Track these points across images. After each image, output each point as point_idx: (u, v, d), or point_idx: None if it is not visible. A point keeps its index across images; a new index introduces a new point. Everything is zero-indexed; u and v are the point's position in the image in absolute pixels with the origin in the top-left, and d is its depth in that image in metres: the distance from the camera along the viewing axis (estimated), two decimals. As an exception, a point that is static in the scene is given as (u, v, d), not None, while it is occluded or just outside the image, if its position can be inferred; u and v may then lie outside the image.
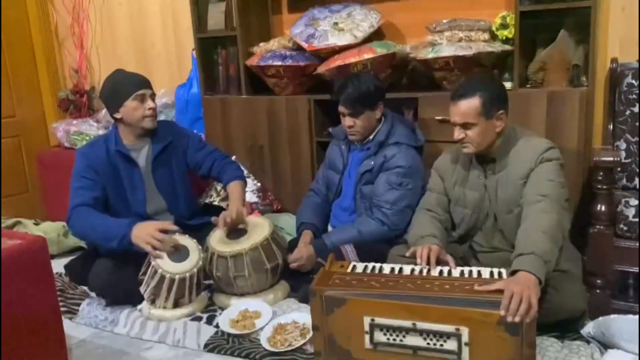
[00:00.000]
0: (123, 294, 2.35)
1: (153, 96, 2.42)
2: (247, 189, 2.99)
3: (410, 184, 2.36)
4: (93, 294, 2.47)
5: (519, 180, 1.95)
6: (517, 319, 1.55)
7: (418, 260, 1.88)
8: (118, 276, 2.31)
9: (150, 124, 2.41)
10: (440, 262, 1.90)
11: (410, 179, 2.37)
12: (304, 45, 2.84)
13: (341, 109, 2.42)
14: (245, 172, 3.10)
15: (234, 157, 3.15)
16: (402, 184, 2.36)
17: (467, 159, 2.09)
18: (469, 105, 1.92)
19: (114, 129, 2.46)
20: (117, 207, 2.42)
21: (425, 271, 1.85)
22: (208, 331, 2.16)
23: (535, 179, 1.91)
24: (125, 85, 2.37)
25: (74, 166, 2.40)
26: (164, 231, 2.24)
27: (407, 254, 1.98)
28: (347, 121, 2.42)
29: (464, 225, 2.11)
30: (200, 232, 2.44)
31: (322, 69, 2.82)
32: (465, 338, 1.62)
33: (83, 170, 2.37)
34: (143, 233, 2.19)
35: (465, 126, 1.95)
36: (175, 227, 2.30)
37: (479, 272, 1.81)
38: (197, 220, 2.57)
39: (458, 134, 1.97)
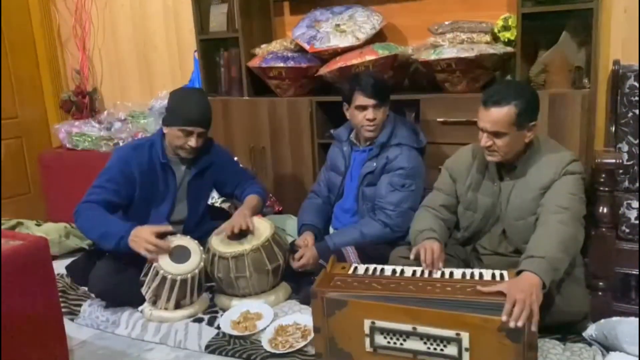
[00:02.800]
0: (123, 297, 2.36)
1: (203, 134, 2.35)
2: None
3: (412, 186, 2.36)
4: (95, 297, 2.47)
5: (539, 190, 1.91)
6: (519, 324, 1.54)
7: (423, 265, 1.87)
8: (118, 280, 2.31)
9: (185, 155, 2.39)
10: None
11: (413, 180, 2.36)
12: (306, 46, 2.85)
13: (363, 101, 2.34)
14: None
15: (235, 159, 3.16)
16: (404, 186, 2.36)
17: (483, 162, 2.03)
18: (503, 113, 1.83)
19: (160, 136, 2.44)
20: (137, 213, 2.41)
21: (427, 273, 1.85)
22: (209, 332, 2.16)
23: (556, 190, 1.87)
24: (181, 114, 2.31)
25: (108, 163, 2.39)
26: (162, 235, 2.25)
27: (411, 257, 1.93)
28: (369, 114, 2.34)
29: (471, 229, 2.10)
30: (202, 239, 2.43)
31: (324, 70, 2.83)
32: (465, 343, 1.62)
33: (113, 173, 2.35)
34: (139, 238, 2.19)
35: (495, 134, 1.87)
36: (170, 228, 2.30)
37: (480, 274, 1.80)
38: (202, 228, 2.54)
39: (486, 141, 1.89)
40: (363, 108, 2.37)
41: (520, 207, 1.95)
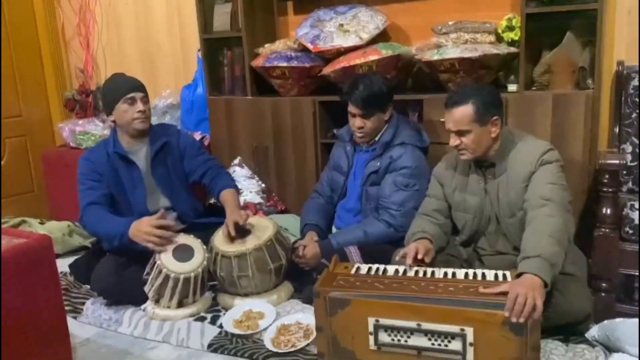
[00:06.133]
0: (125, 295, 2.37)
1: (145, 99, 2.48)
2: (251, 190, 3.02)
3: (416, 185, 2.36)
4: (97, 296, 2.47)
5: (521, 184, 1.95)
6: (521, 320, 1.55)
7: (408, 261, 1.89)
8: (120, 277, 2.34)
9: (141, 126, 2.47)
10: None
11: (417, 180, 2.36)
12: (310, 46, 2.85)
13: (352, 109, 2.40)
14: (250, 172, 3.11)
15: (238, 158, 3.17)
16: (408, 185, 2.36)
17: (465, 164, 2.10)
18: (462, 112, 1.94)
19: (113, 133, 2.55)
20: (120, 206, 2.49)
21: (429, 273, 1.85)
22: (212, 331, 2.17)
23: (536, 182, 1.91)
24: (117, 89, 2.46)
25: (79, 172, 2.49)
26: (163, 227, 2.28)
27: (397, 259, 1.97)
28: (357, 122, 2.41)
29: (466, 231, 2.11)
30: (205, 232, 2.45)
31: (327, 70, 2.83)
32: (470, 338, 1.62)
33: (88, 174, 2.47)
34: (140, 231, 2.24)
35: (460, 133, 1.97)
36: (171, 223, 2.33)
37: (483, 274, 1.80)
38: (202, 218, 2.60)
39: (453, 140, 1.99)
40: (352, 115, 2.41)
41: (509, 204, 1.99)
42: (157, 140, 2.54)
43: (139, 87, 2.49)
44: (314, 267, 2.34)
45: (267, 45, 3.07)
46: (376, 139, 2.46)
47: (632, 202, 2.14)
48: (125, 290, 2.35)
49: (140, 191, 2.50)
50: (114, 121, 2.50)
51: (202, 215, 2.64)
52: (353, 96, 2.37)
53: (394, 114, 2.49)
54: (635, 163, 2.38)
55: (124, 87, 2.45)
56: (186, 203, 2.60)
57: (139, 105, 2.44)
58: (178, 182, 2.59)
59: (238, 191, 2.67)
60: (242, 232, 2.38)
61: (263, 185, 3.10)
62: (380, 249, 2.26)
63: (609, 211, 2.08)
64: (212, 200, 3.04)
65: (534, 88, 2.51)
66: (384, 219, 2.35)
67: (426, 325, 1.66)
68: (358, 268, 1.92)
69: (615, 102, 2.45)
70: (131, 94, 2.43)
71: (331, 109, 2.93)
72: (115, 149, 2.48)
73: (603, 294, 2.13)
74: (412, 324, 1.67)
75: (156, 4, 3.71)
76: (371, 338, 1.73)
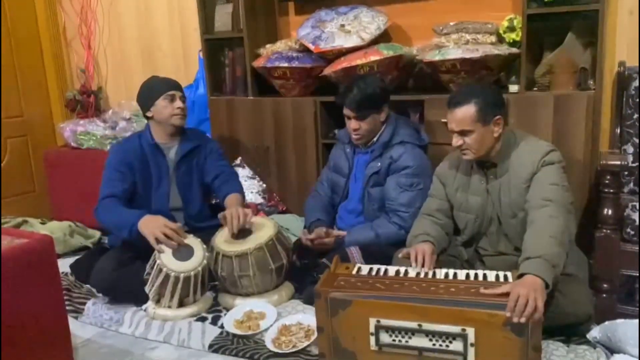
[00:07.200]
0: (125, 292, 2.37)
1: (183, 98, 2.60)
2: (253, 190, 3.02)
3: (420, 184, 2.36)
4: (97, 293, 2.48)
5: (522, 184, 1.96)
6: (522, 320, 1.55)
7: (413, 264, 1.89)
8: (120, 274, 2.34)
9: (179, 122, 2.56)
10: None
11: (420, 178, 2.36)
12: (311, 47, 2.85)
13: (346, 111, 2.42)
14: (251, 173, 3.12)
15: (239, 159, 3.17)
16: (412, 185, 2.36)
17: (468, 164, 2.10)
18: (465, 112, 1.94)
19: (148, 128, 2.63)
20: (141, 201, 2.54)
21: (430, 274, 1.85)
22: (213, 332, 2.17)
23: (538, 183, 1.92)
24: (157, 86, 2.58)
25: (108, 159, 2.57)
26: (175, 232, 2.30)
27: (399, 256, 1.99)
28: (352, 124, 2.42)
29: (468, 231, 2.11)
30: (205, 232, 2.46)
31: (328, 70, 2.83)
32: (471, 339, 1.62)
33: (116, 163, 2.53)
34: (152, 225, 2.27)
35: (462, 133, 1.97)
36: (183, 232, 2.34)
37: (484, 275, 1.80)
38: (205, 222, 2.62)
39: (456, 141, 1.99)
40: (347, 117, 2.43)
41: (510, 204, 1.99)
42: (189, 142, 2.63)
43: (178, 86, 2.63)
44: (325, 252, 2.34)
45: (268, 46, 3.07)
46: (374, 139, 2.46)
47: (633, 203, 2.14)
48: (125, 286, 2.34)
49: (165, 187, 2.58)
50: (149, 117, 2.59)
51: (206, 218, 2.65)
52: (347, 99, 2.38)
53: (391, 114, 2.49)
54: (637, 164, 2.38)
55: (164, 85, 2.58)
56: (196, 206, 2.64)
57: (178, 103, 2.55)
58: (196, 185, 2.65)
59: (244, 198, 2.67)
60: (243, 231, 2.38)
61: (264, 185, 3.11)
62: (381, 250, 2.26)
63: (610, 212, 2.08)
64: (214, 201, 3.04)
65: (535, 89, 2.51)
66: (394, 221, 2.35)
67: (427, 326, 1.66)
68: (359, 268, 1.92)
69: (617, 102, 2.45)
70: (171, 92, 2.55)
71: (332, 110, 2.93)
72: (152, 141, 2.58)
73: (604, 295, 2.13)
74: (413, 325, 1.67)
75: (157, 4, 3.72)
76: (372, 338, 1.73)
